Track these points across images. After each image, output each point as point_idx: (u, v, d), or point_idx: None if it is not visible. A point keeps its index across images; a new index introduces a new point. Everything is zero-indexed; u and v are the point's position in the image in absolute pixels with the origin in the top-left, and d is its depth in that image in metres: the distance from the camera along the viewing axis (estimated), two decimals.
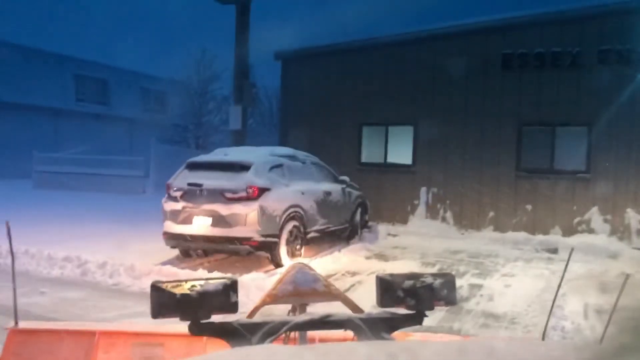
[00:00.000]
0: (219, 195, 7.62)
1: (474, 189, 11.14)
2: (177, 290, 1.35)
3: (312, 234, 8.82)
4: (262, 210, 7.66)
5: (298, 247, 8.36)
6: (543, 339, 1.81)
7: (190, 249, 8.30)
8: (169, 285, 1.36)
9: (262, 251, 7.83)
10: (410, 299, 1.46)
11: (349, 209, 10.25)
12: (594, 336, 5.03)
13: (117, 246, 8.39)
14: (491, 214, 11.05)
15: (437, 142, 11.50)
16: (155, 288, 1.35)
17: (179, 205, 7.78)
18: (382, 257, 9.11)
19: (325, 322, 1.43)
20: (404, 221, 11.72)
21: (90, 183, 18.16)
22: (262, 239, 7.62)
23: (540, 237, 10.23)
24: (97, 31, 51.98)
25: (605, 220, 10.17)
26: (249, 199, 7.61)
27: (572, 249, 2.21)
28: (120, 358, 2.47)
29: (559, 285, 1.80)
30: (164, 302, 1.35)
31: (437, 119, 11.45)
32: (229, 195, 7.62)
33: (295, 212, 8.27)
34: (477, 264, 8.69)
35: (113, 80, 30.03)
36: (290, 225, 8.14)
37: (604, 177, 10.16)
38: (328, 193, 9.36)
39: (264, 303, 1.77)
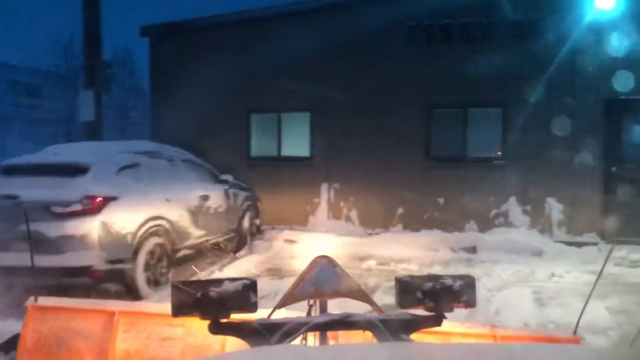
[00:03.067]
0: (43, 210, 5.48)
1: (380, 183, 9.71)
2: (197, 290, 1.37)
3: (183, 252, 6.90)
4: (106, 228, 5.64)
5: (164, 270, 6.41)
6: (575, 333, 2.21)
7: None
8: (189, 284, 1.39)
9: (110, 283, 5.82)
10: (430, 301, 1.45)
11: (234, 214, 8.42)
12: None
13: None
14: (400, 210, 9.68)
15: (338, 130, 9.94)
16: (176, 287, 1.38)
17: None
18: (275, 272, 7.40)
19: (344, 323, 1.43)
20: (304, 223, 10.07)
21: None
22: (108, 266, 5.61)
23: (456, 235, 8.98)
24: None
25: (525, 212, 9.12)
26: (86, 213, 5.57)
27: (612, 248, 2.44)
28: (139, 337, 2.47)
29: (595, 282, 2.00)
30: (184, 301, 1.37)
31: (336, 103, 9.89)
32: (57, 209, 5.52)
33: (158, 225, 6.32)
34: (389, 273, 7.22)
35: None
36: (150, 244, 6.18)
37: (522, 163, 9.10)
38: (205, 197, 7.46)
39: (284, 303, 1.71)
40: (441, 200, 9.47)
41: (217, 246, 7.84)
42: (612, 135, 8.74)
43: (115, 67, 35.36)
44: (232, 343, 2.17)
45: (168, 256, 6.48)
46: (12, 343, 2.58)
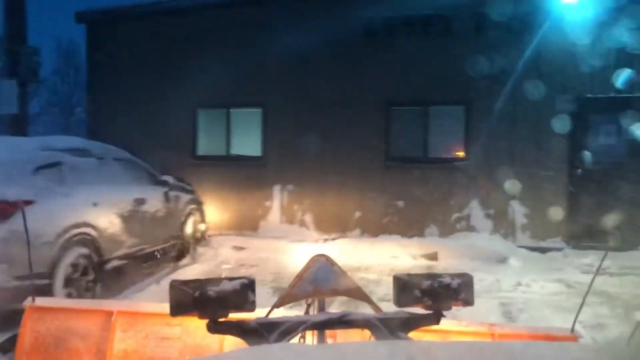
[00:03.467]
0: None
1: (336, 185, 9.10)
2: (195, 289, 1.37)
3: (114, 263, 6.06)
4: (17, 238, 4.76)
5: (90, 284, 5.58)
6: (572, 331, 2.27)
7: None
8: (187, 284, 1.38)
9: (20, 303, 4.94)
10: (428, 299, 1.46)
11: (176, 219, 7.62)
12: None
13: None
14: (358, 214, 9.08)
15: (292, 128, 9.27)
16: (174, 287, 1.38)
17: None
18: None
19: (342, 322, 1.44)
20: (254, 228, 9.34)
21: None
22: (16, 283, 4.74)
23: (416, 241, 8.45)
24: None
25: (487, 216, 8.68)
26: None
27: (605, 254, 2.36)
28: (137, 337, 2.47)
29: (590, 283, 2.04)
30: (183, 300, 1.37)
31: (290, 99, 9.23)
32: None
33: (83, 234, 5.49)
34: None
35: None
36: (73, 255, 5.34)
37: (485, 164, 8.65)
38: (141, 201, 6.65)
39: (282, 302, 1.71)
40: (401, 203, 8.93)
41: (155, 255, 7.03)
42: (579, 135, 8.39)
43: (60, 60, 33.55)
44: (231, 342, 2.17)
45: (95, 269, 5.65)
46: (10, 343, 2.67)
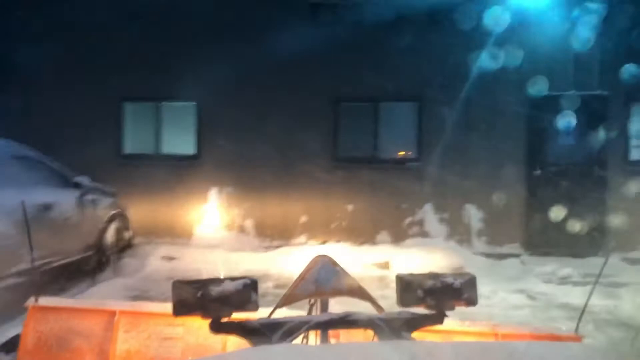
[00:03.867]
0: None
1: (280, 187, 8.29)
2: (198, 289, 1.38)
3: (9, 281, 5.02)
4: None
5: None
6: (576, 331, 2.28)
7: None
8: (190, 284, 1.39)
9: None
10: (431, 299, 1.46)
11: (93, 226, 6.60)
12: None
13: None
14: (303, 219, 8.30)
15: (231, 123, 8.41)
16: (177, 286, 1.38)
17: None
18: (145, 300, 5.69)
19: (345, 322, 1.45)
20: (188, 235, 8.39)
21: None
22: None
23: (366, 248, 7.77)
24: None
25: (442, 220, 8.11)
26: None
27: (607, 259, 2.35)
28: (140, 337, 2.49)
29: (594, 285, 2.16)
30: (186, 300, 1.38)
31: (229, 91, 8.34)
32: None
33: None
34: None
35: None
36: None
37: (439, 165, 8.09)
38: (47, 206, 5.61)
39: (285, 303, 1.70)
40: (350, 207, 8.23)
41: (66, 269, 6.00)
42: (537, 134, 7.94)
43: None
44: (233, 342, 2.19)
45: None
46: (12, 343, 2.83)
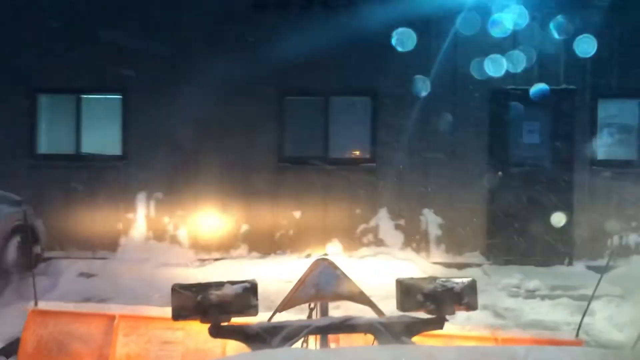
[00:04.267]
0: None
1: (219, 192, 7.36)
2: (198, 293, 1.40)
3: None
4: None
5: None
6: (577, 336, 2.33)
7: None
8: (189, 288, 1.41)
9: None
10: (431, 304, 1.45)
11: None
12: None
13: None
14: (245, 227, 7.41)
15: (162, 119, 7.39)
16: (176, 291, 1.41)
17: None
18: None
19: (345, 326, 1.46)
20: (112, 247, 7.34)
21: None
22: None
23: (315, 259, 6.93)
24: None
25: (397, 227, 7.39)
26: None
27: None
28: (140, 341, 2.49)
29: (594, 290, 2.27)
30: (185, 304, 1.40)
31: (159, 83, 7.37)
32: None
33: None
34: None
35: None
36: None
37: (394, 167, 7.37)
38: None
39: (285, 307, 1.73)
40: (297, 214, 7.39)
41: None
42: (499, 133, 7.33)
43: None
44: (233, 347, 2.16)
45: None
46: (12, 347, 2.83)
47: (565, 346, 2.17)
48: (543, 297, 5.98)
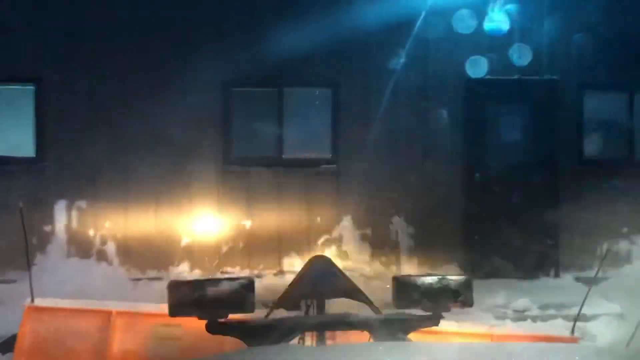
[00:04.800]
0: None
1: (154, 200, 6.36)
2: (195, 290, 1.44)
3: None
4: None
5: None
6: (572, 333, 2.38)
7: None
8: (186, 284, 1.48)
9: None
10: (427, 301, 1.49)
11: None
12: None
13: None
14: (186, 241, 6.40)
15: (85, 114, 6.39)
16: (173, 287, 1.45)
17: None
18: None
19: (342, 323, 1.51)
20: (23, 266, 6.15)
21: None
22: None
23: (268, 279, 6.03)
24: None
25: (364, 238, 6.54)
26: None
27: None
28: (137, 338, 2.54)
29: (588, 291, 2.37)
30: (182, 301, 1.43)
31: (82, 71, 6.35)
32: None
33: None
34: None
35: None
36: None
37: (359, 168, 6.52)
38: None
39: (281, 303, 1.77)
40: (248, 224, 6.45)
41: None
42: (475, 129, 6.57)
43: None
44: (230, 343, 2.14)
45: None
46: (9, 344, 2.82)
47: (560, 343, 2.25)
48: (534, 319, 5.22)
